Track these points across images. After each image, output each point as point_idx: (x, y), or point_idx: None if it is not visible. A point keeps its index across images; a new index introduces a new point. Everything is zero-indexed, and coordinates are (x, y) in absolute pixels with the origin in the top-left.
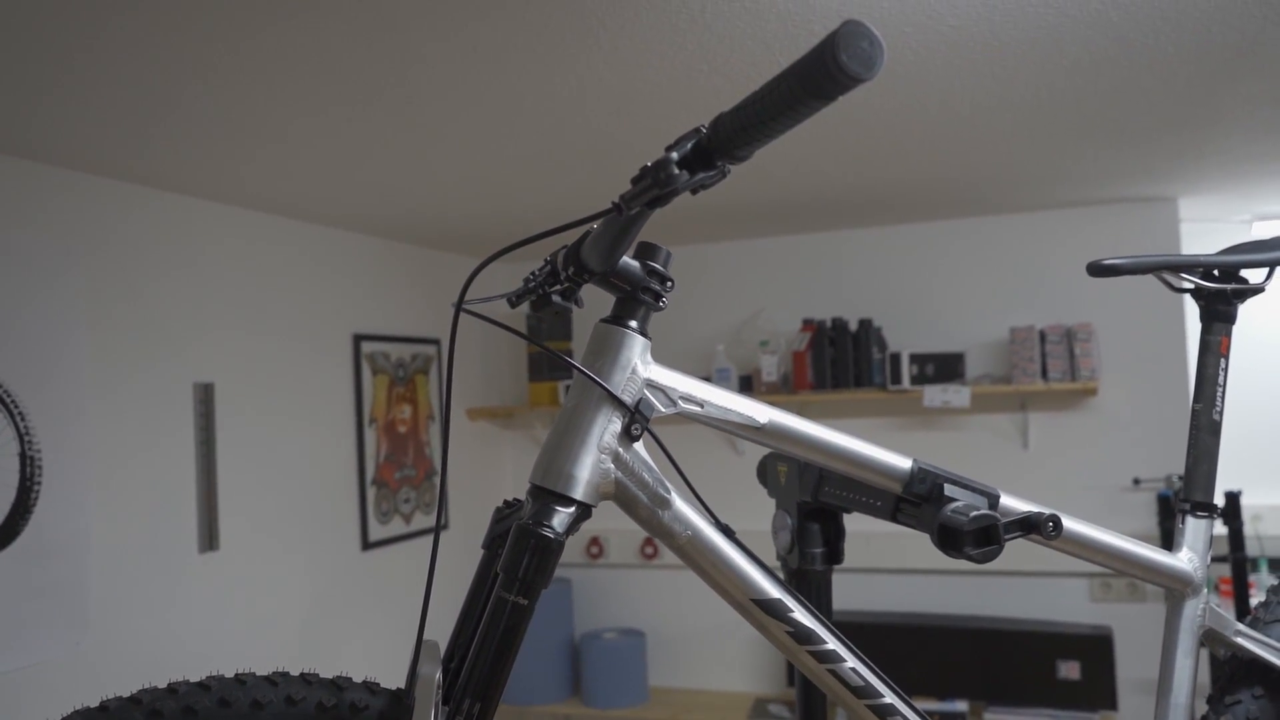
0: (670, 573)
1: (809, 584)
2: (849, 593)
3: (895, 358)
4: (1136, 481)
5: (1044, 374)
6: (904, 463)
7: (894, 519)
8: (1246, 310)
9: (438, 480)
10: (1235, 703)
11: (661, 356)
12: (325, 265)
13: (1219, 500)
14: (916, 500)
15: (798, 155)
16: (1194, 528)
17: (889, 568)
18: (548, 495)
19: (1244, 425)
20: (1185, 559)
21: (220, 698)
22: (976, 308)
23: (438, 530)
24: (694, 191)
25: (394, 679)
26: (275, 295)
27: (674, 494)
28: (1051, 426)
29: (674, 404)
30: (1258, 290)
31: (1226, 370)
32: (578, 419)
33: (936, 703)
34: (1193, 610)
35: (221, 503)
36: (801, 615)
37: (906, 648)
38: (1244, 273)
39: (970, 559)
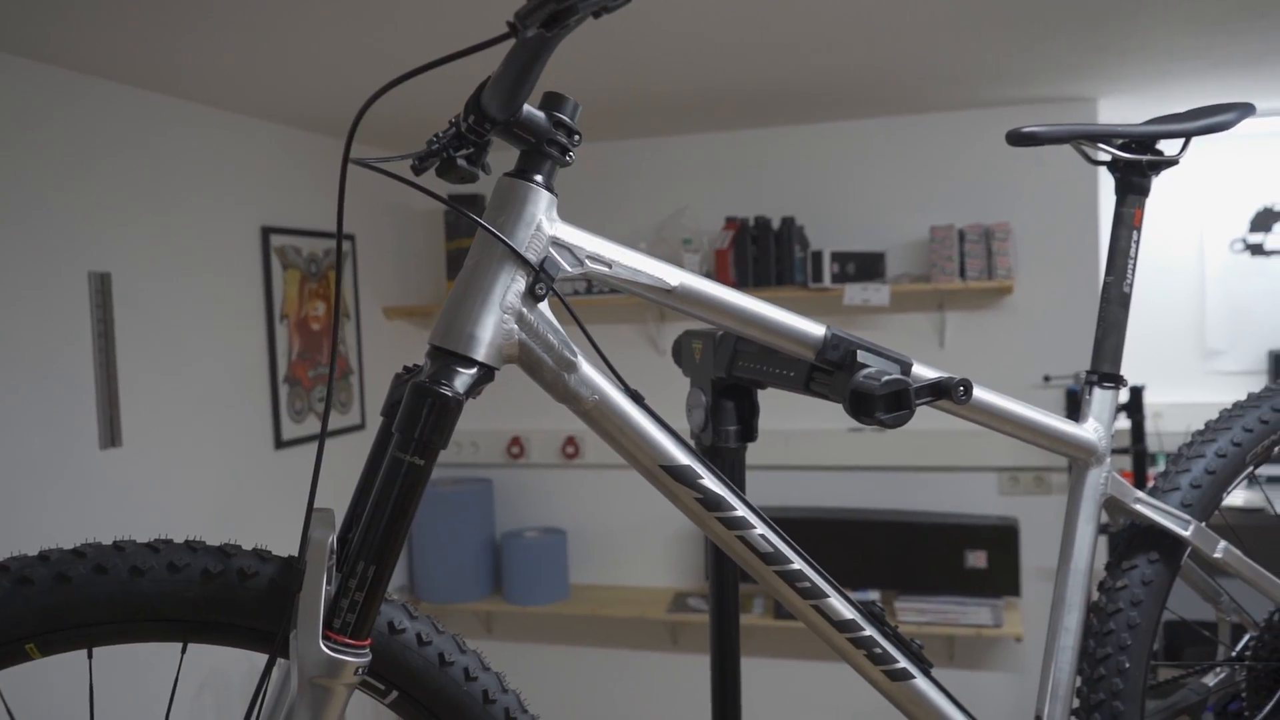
0: (592, 472)
1: (723, 461)
2: (768, 490)
3: (817, 256)
4: (1047, 378)
5: (962, 273)
6: (817, 329)
7: (808, 389)
8: (1153, 217)
9: (354, 379)
10: (1132, 567)
11: None
12: (231, 154)
13: (1122, 396)
14: (830, 368)
15: (722, 41)
16: (1100, 399)
17: (807, 464)
18: (448, 356)
19: (1149, 327)
20: (1091, 429)
21: (96, 564)
22: (898, 207)
23: (332, 376)
24: (596, 15)
25: None
26: (176, 183)
27: (580, 357)
28: (968, 326)
29: (580, 263)
30: (1172, 162)
31: (1138, 243)
32: (479, 277)
33: (850, 592)
34: (1096, 479)
35: (123, 398)
36: (710, 482)
37: (823, 541)
38: (1160, 145)
39: (882, 424)
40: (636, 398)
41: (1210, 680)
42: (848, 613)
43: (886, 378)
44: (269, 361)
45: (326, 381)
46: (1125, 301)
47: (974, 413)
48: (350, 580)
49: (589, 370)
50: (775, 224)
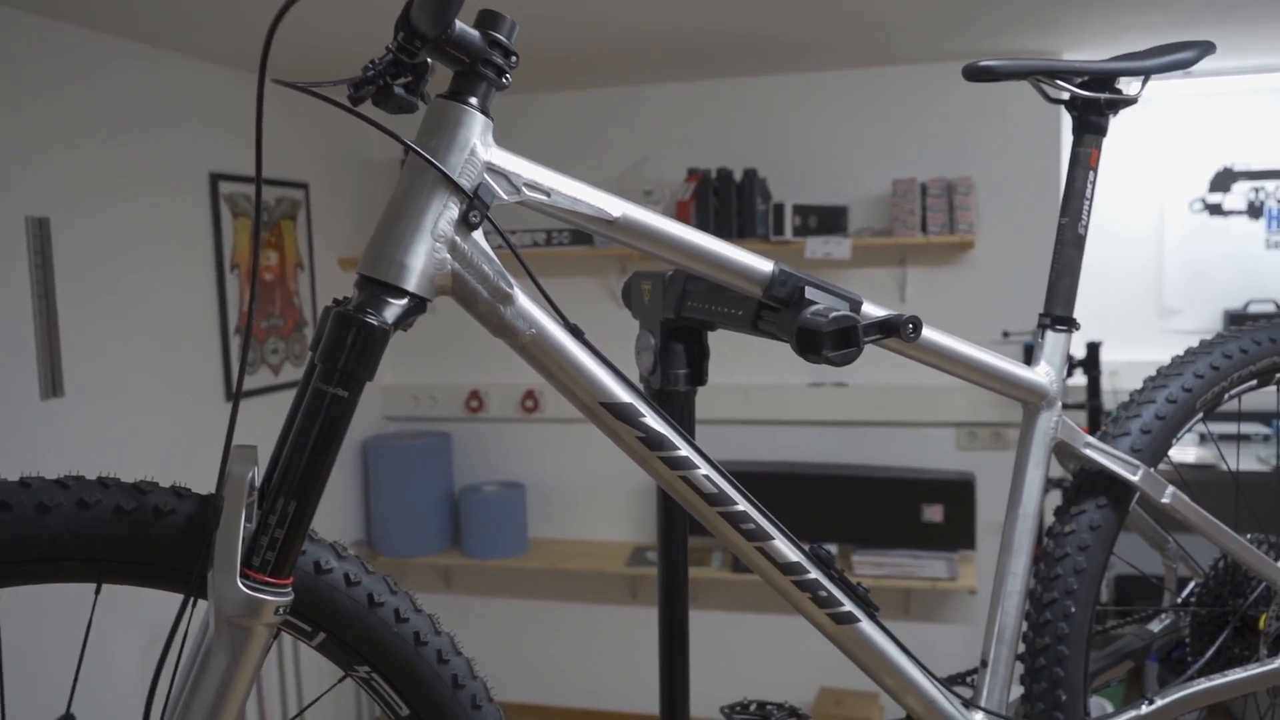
0: (551, 426)
1: (672, 405)
2: (727, 444)
3: (779, 209)
4: (1006, 334)
5: (923, 227)
6: (765, 265)
7: (755, 328)
8: (1113, 177)
9: (309, 332)
10: (1080, 512)
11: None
12: (177, 97)
13: (1080, 351)
14: (777, 305)
15: None
16: (1053, 342)
17: (766, 419)
18: (377, 286)
19: (1107, 286)
20: (1043, 372)
21: None
22: (861, 160)
23: (251, 312)
24: None
25: None
26: (119, 126)
27: (517, 289)
28: (929, 281)
29: (517, 191)
30: (1130, 101)
31: (1094, 184)
32: (410, 204)
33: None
34: (1046, 423)
35: (65, 347)
36: (653, 421)
37: (781, 495)
38: (1120, 85)
39: (829, 362)
40: (576, 332)
41: (1155, 627)
42: (792, 555)
43: (834, 314)
44: (219, 312)
45: (280, 333)
46: (1080, 244)
47: (924, 353)
48: (270, 517)
49: (526, 303)
50: (737, 176)
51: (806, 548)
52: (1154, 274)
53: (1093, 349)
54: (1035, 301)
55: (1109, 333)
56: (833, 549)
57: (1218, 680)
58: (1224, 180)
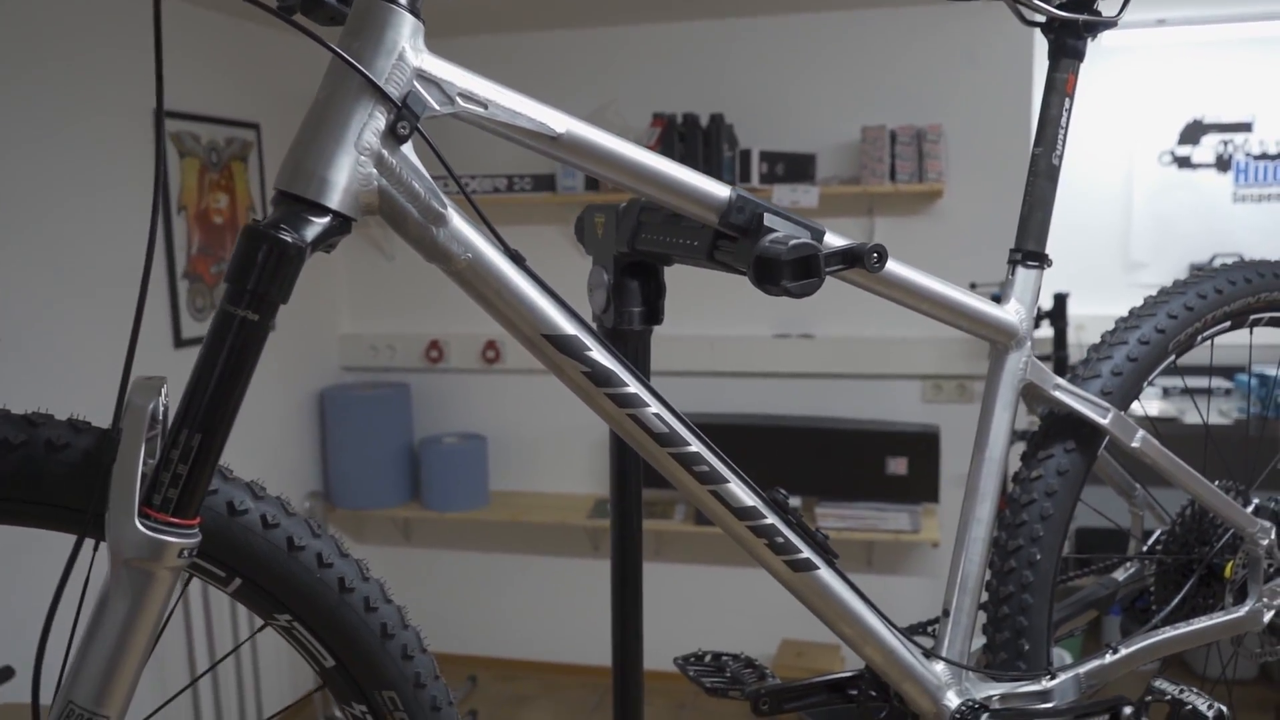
0: (513, 377)
1: (626, 345)
2: (693, 396)
3: (745, 155)
4: (973, 285)
5: (892, 175)
6: (722, 190)
7: (711, 258)
8: (1082, 130)
9: None
10: (1048, 457)
11: (502, 153)
12: (117, 30)
13: (1047, 302)
14: (735, 234)
15: None
16: (1023, 279)
17: (732, 371)
18: (296, 202)
19: (1073, 239)
20: (1012, 310)
21: None
22: (830, 107)
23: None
24: None
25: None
26: (54, 59)
27: (451, 210)
28: (897, 230)
29: (451, 101)
30: (1110, 23)
31: (1070, 111)
32: (331, 113)
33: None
34: (1015, 363)
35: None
36: (600, 355)
37: (746, 447)
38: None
39: (788, 293)
40: (517, 259)
41: (1120, 575)
42: (748, 499)
43: (794, 242)
44: (166, 256)
45: None
46: (1054, 175)
47: (889, 288)
48: (173, 451)
49: (461, 225)
50: (704, 121)
51: (764, 493)
52: (1121, 227)
53: (1059, 300)
54: (1003, 253)
55: (1075, 286)
56: (797, 501)
57: (1182, 629)
58: (1193, 133)
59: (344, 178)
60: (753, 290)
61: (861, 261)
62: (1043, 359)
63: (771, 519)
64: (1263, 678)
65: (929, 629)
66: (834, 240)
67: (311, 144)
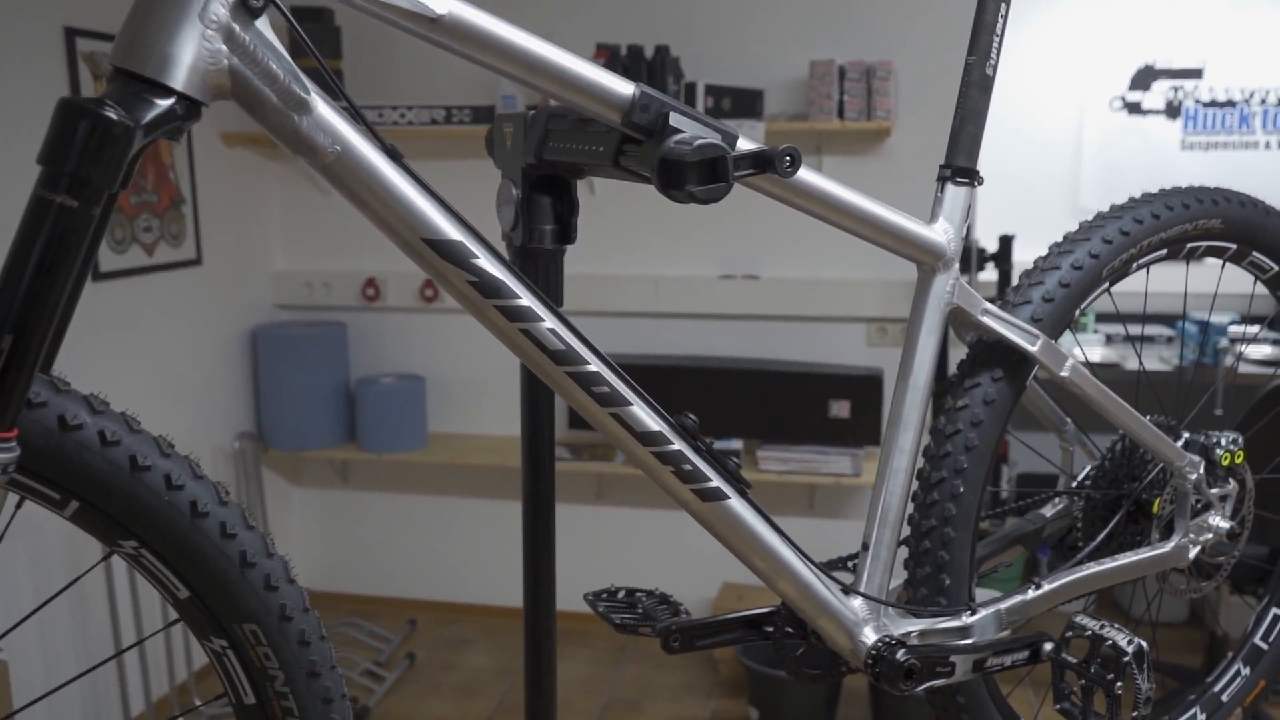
0: (452, 317)
1: (536, 265)
2: (635, 337)
3: (690, 89)
4: None
5: (840, 113)
6: (625, 87)
7: (617, 165)
8: (1033, 74)
9: (187, 210)
10: (974, 385)
11: (439, 82)
12: None
13: (993, 245)
14: (640, 136)
15: None
16: (953, 196)
17: (676, 312)
18: (134, 80)
19: (1022, 183)
20: (940, 230)
21: None
22: (778, 40)
23: None
24: None
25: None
26: None
27: (315, 95)
28: (844, 170)
29: None
30: None
31: (1006, 18)
32: None
33: (713, 441)
34: (941, 286)
35: None
36: (488, 263)
37: (687, 390)
38: None
39: (695, 199)
40: (394, 155)
41: (1048, 512)
42: (653, 424)
43: (700, 142)
44: None
45: (153, 210)
46: (987, 86)
47: (806, 199)
48: None
49: (328, 113)
50: (649, 53)
51: (670, 417)
52: (1071, 174)
53: (1005, 242)
54: None
55: (1023, 231)
56: (738, 444)
57: (1107, 565)
58: (1144, 78)
59: (188, 54)
60: (698, 229)
61: (773, 165)
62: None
63: (678, 445)
64: (1193, 619)
65: (848, 564)
66: (749, 145)
67: (150, 14)
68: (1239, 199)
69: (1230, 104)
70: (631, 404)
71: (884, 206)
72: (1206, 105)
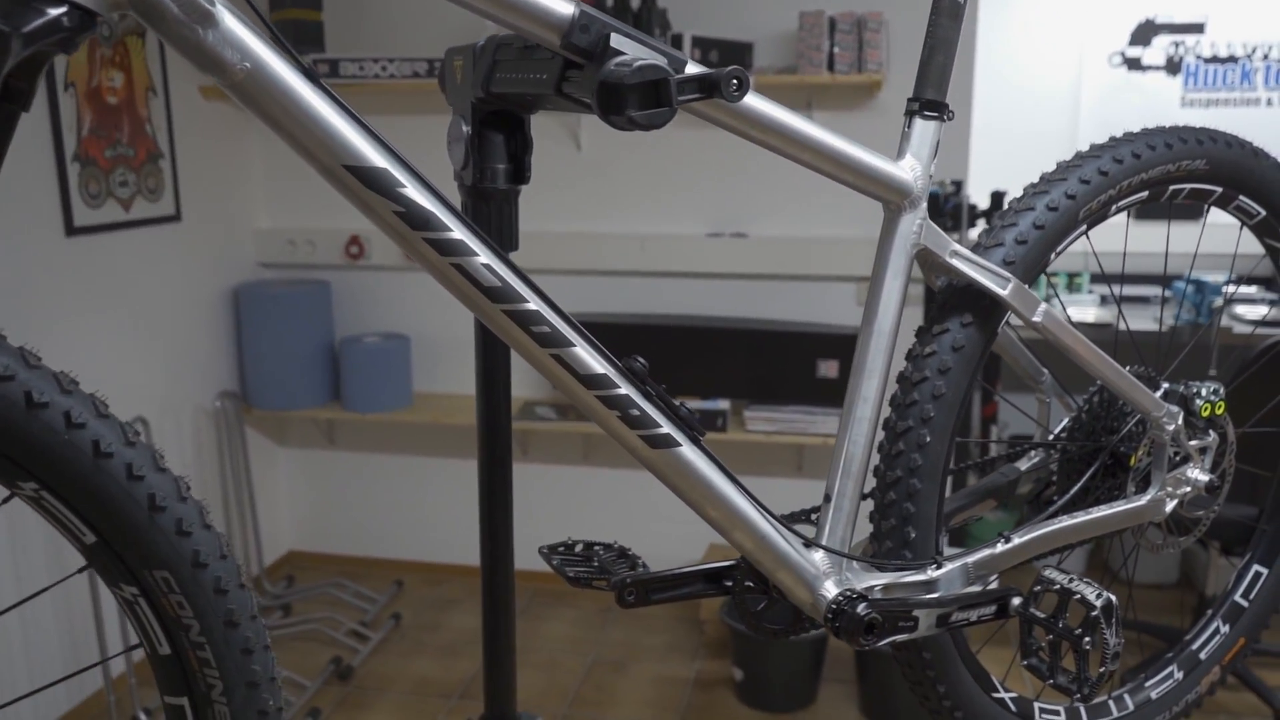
0: None
1: (489, 205)
2: (621, 296)
3: (677, 40)
4: None
5: (830, 65)
6: (564, 6)
7: (559, 92)
8: (1033, 31)
9: (165, 164)
10: (943, 331)
11: (422, 35)
12: None
13: (984, 200)
14: (581, 60)
15: None
16: (921, 131)
17: (663, 271)
18: None
19: (1019, 140)
20: (907, 167)
21: None
22: None
23: None
24: None
25: (112, 379)
26: None
27: (222, 7)
28: (835, 126)
29: None
30: None
31: None
32: None
33: (700, 401)
34: (908, 225)
35: None
36: (418, 194)
37: (674, 349)
38: None
39: (636, 125)
40: (310, 75)
41: (1024, 465)
42: (597, 366)
43: (640, 64)
44: (52, 136)
45: (129, 164)
46: (957, 13)
47: (760, 130)
48: None
49: (236, 27)
50: (634, 3)
51: (617, 359)
52: (1068, 131)
53: (996, 198)
54: (945, 149)
55: (1017, 188)
56: (725, 404)
57: (1080, 518)
58: (1144, 33)
59: None
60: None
61: (719, 89)
62: None
63: (625, 389)
64: (1184, 582)
65: (810, 517)
66: (695, 69)
67: None
68: (1225, 139)
69: (1232, 60)
70: (574, 345)
71: (846, 140)
72: (1208, 61)
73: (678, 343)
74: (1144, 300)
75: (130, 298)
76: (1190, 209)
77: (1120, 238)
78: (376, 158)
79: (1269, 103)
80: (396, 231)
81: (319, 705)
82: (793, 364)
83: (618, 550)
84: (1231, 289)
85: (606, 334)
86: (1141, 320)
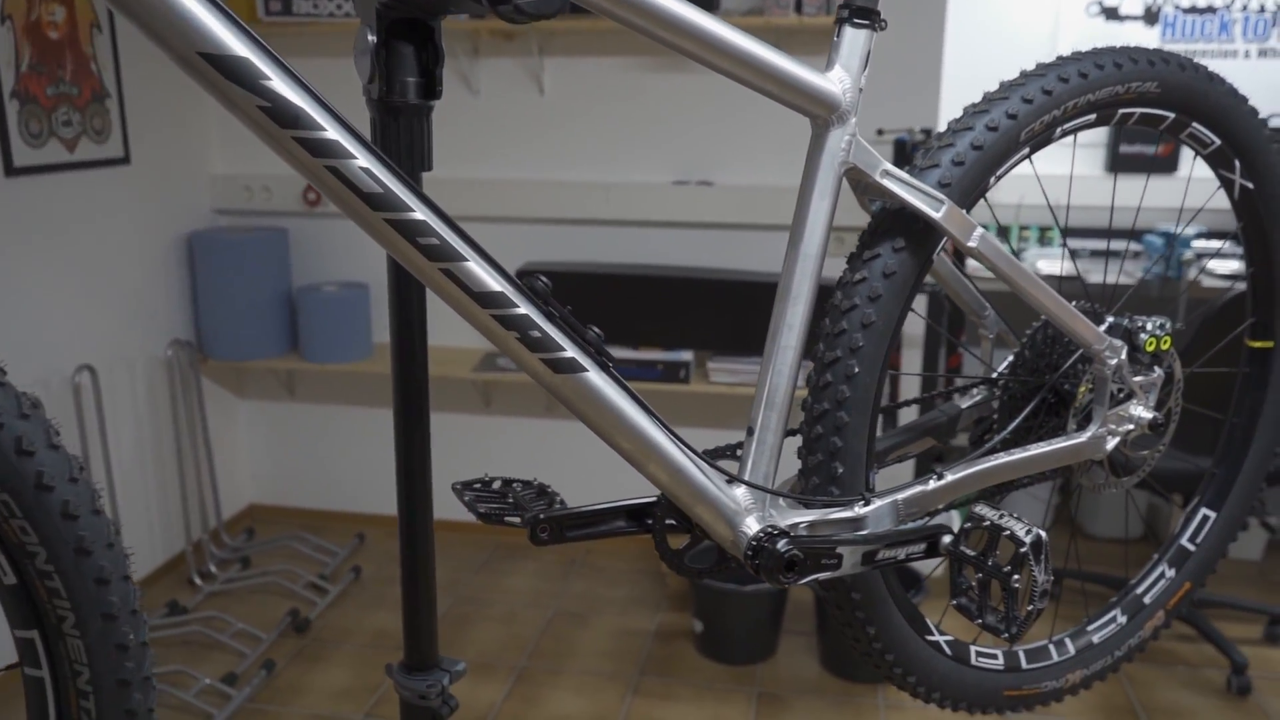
0: None
1: (399, 121)
2: (585, 245)
3: None
4: (880, 132)
5: (798, 7)
6: None
7: None
8: None
9: (112, 104)
10: (874, 257)
11: None
12: None
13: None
14: None
15: None
16: (851, 40)
17: (628, 220)
18: None
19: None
20: (835, 78)
21: None
22: None
23: None
24: None
25: (55, 326)
26: None
27: None
28: None
29: None
30: None
31: None
32: None
33: (663, 352)
34: (836, 142)
35: None
36: (286, 88)
37: (638, 300)
38: None
39: (522, 13)
40: None
41: (965, 403)
42: (493, 283)
43: None
44: None
45: (73, 102)
46: None
47: (670, 31)
48: None
49: None
50: None
51: (518, 278)
52: None
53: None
54: (912, 95)
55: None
56: (688, 355)
57: (1017, 455)
58: None
59: None
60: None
61: None
62: None
63: (525, 309)
64: (1148, 535)
65: (736, 452)
66: None
67: None
68: (1178, 61)
69: (1210, 10)
70: (466, 260)
71: (768, 47)
72: (1186, 11)
73: (641, 293)
74: (1114, 254)
75: (76, 243)
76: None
77: (1089, 188)
78: (237, 46)
79: (1247, 54)
80: (263, 129)
81: (274, 658)
82: (758, 315)
83: (537, 488)
84: (1201, 244)
85: (568, 283)
86: (1111, 276)
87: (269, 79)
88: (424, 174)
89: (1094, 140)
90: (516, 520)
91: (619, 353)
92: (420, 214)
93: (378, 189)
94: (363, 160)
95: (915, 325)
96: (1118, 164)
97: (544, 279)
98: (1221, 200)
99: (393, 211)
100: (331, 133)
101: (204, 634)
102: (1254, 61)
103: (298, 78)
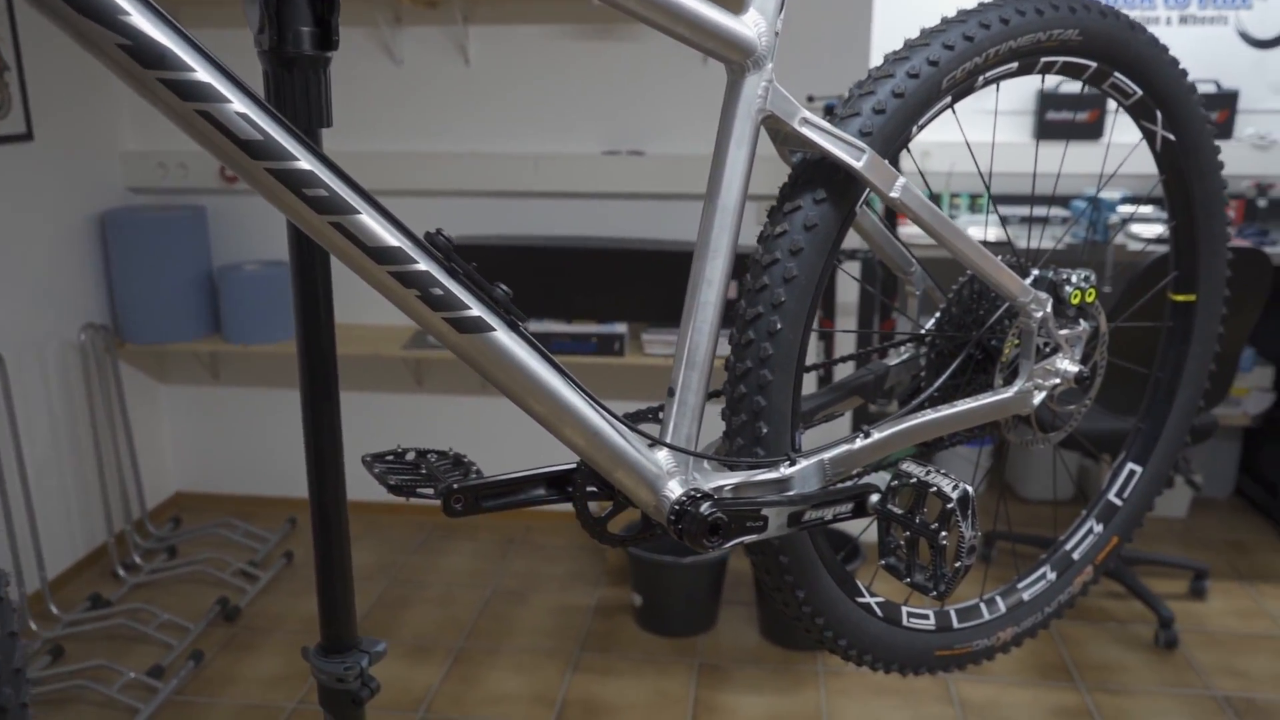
0: None
1: (293, 74)
2: (514, 218)
3: None
4: (811, 98)
5: None
6: None
7: None
8: None
9: (13, 77)
10: (795, 209)
11: None
12: None
13: None
14: None
15: None
16: None
17: (557, 191)
18: None
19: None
20: (750, 21)
21: None
22: None
23: None
24: None
25: None
26: None
27: None
28: None
29: None
30: None
31: None
32: None
33: (597, 325)
34: (752, 89)
35: None
36: (148, 24)
37: (570, 272)
38: None
39: None
40: None
41: (892, 361)
42: (389, 238)
43: None
44: None
45: None
46: None
47: None
48: None
49: None
50: None
51: (417, 233)
52: None
53: None
54: (842, 59)
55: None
56: (623, 328)
57: (944, 411)
58: None
59: None
60: (580, 103)
61: None
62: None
63: (425, 265)
64: (1079, 498)
65: (658, 415)
66: None
67: None
68: (1099, 9)
69: None
70: (358, 212)
71: None
72: None
73: (573, 266)
74: (1044, 220)
75: None
76: (1091, 128)
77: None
78: None
79: (1169, 21)
80: (126, 70)
81: (202, 648)
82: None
83: (453, 458)
84: (1129, 209)
85: (498, 257)
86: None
87: (128, 14)
88: (342, 145)
89: (1021, 108)
90: (429, 492)
91: (552, 327)
92: (305, 163)
93: (256, 136)
94: (239, 105)
95: (849, 290)
96: (1044, 130)
97: (446, 235)
98: (1150, 166)
99: (275, 160)
100: (202, 74)
101: (129, 627)
102: (1175, 29)
103: (162, 13)
